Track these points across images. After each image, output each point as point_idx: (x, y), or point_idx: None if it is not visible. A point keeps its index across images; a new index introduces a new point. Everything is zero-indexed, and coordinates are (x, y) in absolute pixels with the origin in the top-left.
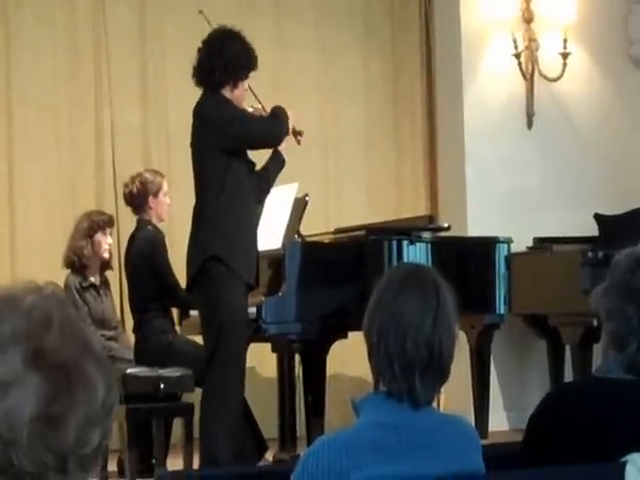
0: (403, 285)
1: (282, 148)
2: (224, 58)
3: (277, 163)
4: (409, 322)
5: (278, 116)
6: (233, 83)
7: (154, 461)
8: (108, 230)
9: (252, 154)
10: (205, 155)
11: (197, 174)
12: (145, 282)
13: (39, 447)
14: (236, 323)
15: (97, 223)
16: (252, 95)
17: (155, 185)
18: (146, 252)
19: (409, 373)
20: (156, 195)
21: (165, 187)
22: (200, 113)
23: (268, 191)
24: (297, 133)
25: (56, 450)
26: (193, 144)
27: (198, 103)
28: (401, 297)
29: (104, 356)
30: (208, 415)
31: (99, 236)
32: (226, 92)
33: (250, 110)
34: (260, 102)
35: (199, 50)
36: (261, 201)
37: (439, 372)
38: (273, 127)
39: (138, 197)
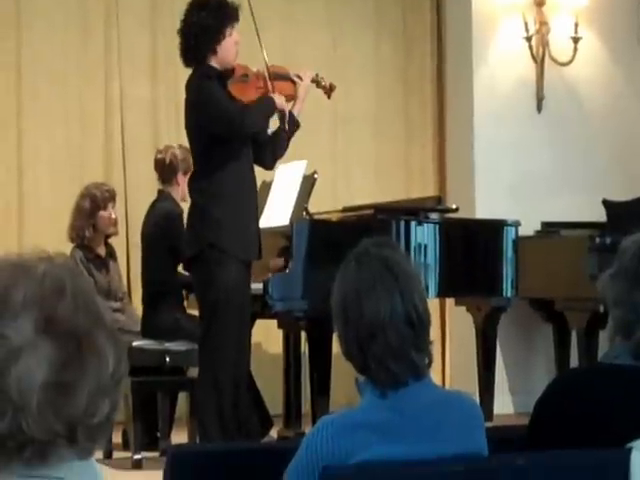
0: (361, 285)
1: (298, 110)
2: (193, 30)
3: (290, 125)
4: (384, 320)
5: (259, 107)
6: (211, 50)
7: (158, 434)
8: (110, 204)
9: None
10: (192, 135)
11: (192, 154)
12: (159, 255)
13: (49, 414)
14: (230, 304)
15: (97, 203)
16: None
17: (185, 164)
18: (162, 225)
19: (402, 359)
20: (185, 173)
21: None
22: (187, 93)
23: (278, 156)
24: (328, 88)
25: (65, 418)
26: (185, 124)
27: (187, 81)
28: (365, 303)
29: (114, 328)
30: (202, 395)
31: (101, 213)
32: (211, 60)
33: (254, 71)
34: (267, 67)
35: (178, 31)
36: (270, 167)
37: (425, 334)
38: (245, 117)
39: (169, 169)
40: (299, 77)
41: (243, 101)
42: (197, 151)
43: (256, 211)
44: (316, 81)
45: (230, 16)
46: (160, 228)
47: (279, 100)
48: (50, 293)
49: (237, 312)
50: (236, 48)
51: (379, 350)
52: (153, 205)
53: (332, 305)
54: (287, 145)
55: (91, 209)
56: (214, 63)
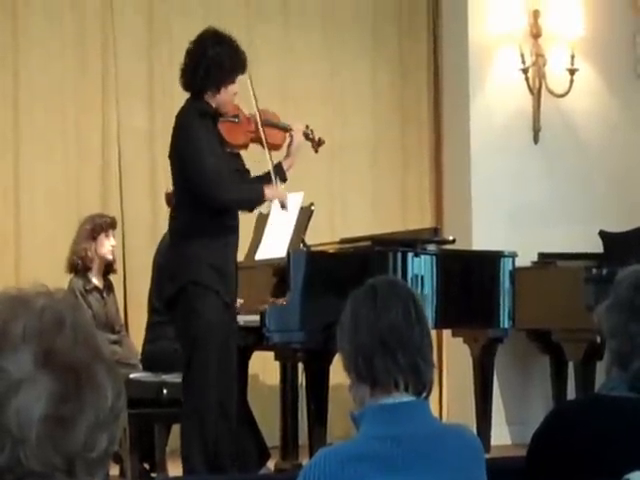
0: (377, 292)
1: (289, 165)
2: (206, 62)
3: (278, 176)
4: (396, 322)
5: (245, 191)
6: (216, 88)
7: (147, 466)
8: (111, 232)
9: (248, 159)
10: (172, 169)
11: (173, 184)
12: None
13: (48, 448)
14: (211, 338)
15: (100, 225)
16: (252, 98)
17: None
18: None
19: (408, 357)
20: None
21: None
22: (175, 125)
23: (260, 202)
24: (317, 142)
25: (64, 451)
26: (169, 153)
27: (179, 111)
28: (382, 303)
29: (113, 362)
30: (185, 429)
31: (102, 238)
32: (209, 97)
33: (245, 114)
34: (257, 107)
35: (185, 53)
36: (251, 211)
37: (431, 350)
38: (224, 194)
39: None
40: (290, 129)
41: (230, 142)
42: (177, 185)
43: (235, 252)
44: (305, 134)
45: (241, 65)
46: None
47: (270, 192)
48: (49, 327)
49: (218, 346)
50: (234, 98)
51: (389, 340)
52: (165, 235)
53: (342, 315)
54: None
55: (92, 231)
56: (212, 101)
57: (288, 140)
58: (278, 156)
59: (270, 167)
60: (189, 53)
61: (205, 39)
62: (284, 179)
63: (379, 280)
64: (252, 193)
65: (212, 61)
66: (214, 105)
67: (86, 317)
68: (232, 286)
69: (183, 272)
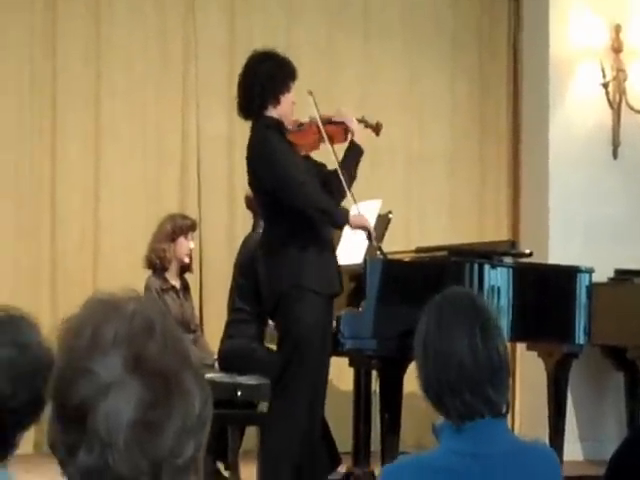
0: (444, 318)
1: (359, 138)
2: (259, 80)
3: (354, 155)
4: (463, 353)
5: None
6: (275, 99)
7: (223, 467)
8: (190, 235)
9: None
10: (255, 187)
11: (259, 206)
12: (247, 283)
13: (135, 452)
14: (312, 342)
15: (180, 227)
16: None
17: None
18: (253, 254)
19: (478, 394)
20: None
21: None
22: (248, 149)
23: (344, 191)
24: (375, 127)
25: (151, 456)
26: (249, 180)
27: (249, 137)
28: (446, 335)
29: (201, 369)
30: (273, 434)
31: (181, 240)
32: (271, 112)
33: (306, 120)
34: (318, 113)
35: (237, 84)
36: (338, 202)
37: (504, 376)
38: (310, 194)
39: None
40: (343, 122)
41: (303, 147)
42: (265, 203)
43: (332, 244)
44: (363, 121)
45: (293, 73)
46: (252, 257)
47: (356, 220)
48: (140, 332)
49: (318, 351)
50: (293, 108)
51: (456, 383)
52: (250, 235)
53: (415, 336)
54: (351, 179)
55: (172, 232)
56: (274, 114)
57: (350, 136)
58: (343, 148)
59: (335, 160)
60: (241, 82)
61: (252, 62)
62: (361, 152)
63: (445, 300)
64: (339, 211)
65: (265, 76)
66: (277, 117)
67: (174, 323)
68: (335, 278)
69: (282, 279)
